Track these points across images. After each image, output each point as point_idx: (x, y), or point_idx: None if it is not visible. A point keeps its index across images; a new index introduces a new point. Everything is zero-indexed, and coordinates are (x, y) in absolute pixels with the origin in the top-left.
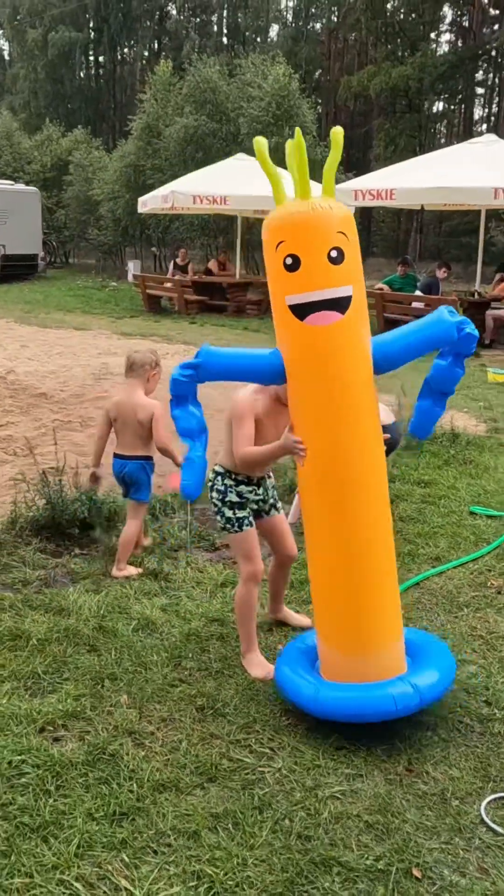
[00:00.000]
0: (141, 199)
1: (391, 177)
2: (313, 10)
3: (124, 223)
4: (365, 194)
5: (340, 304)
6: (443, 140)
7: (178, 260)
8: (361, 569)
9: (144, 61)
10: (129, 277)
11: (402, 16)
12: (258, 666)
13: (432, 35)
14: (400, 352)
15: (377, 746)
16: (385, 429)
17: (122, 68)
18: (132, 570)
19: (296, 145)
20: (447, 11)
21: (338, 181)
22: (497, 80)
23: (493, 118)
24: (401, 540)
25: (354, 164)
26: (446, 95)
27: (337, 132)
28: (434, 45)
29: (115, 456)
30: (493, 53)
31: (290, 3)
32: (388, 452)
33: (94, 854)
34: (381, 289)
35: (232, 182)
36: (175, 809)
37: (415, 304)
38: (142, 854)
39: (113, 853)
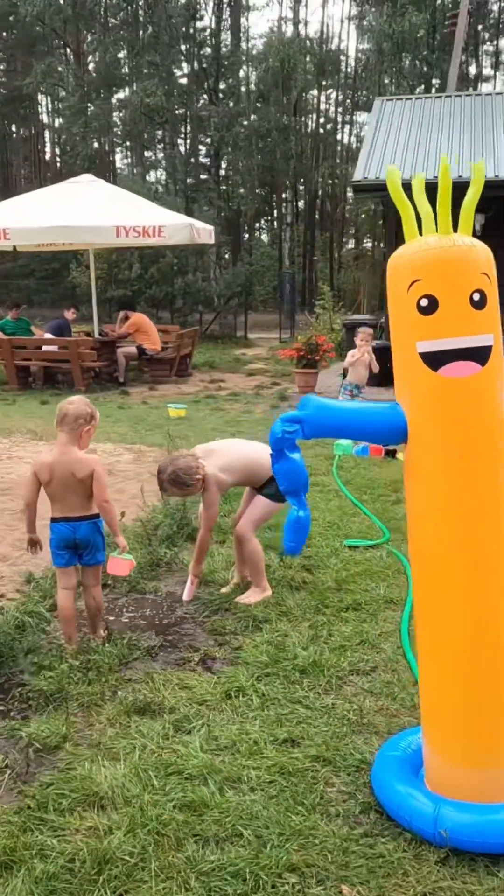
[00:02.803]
0: None
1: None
2: None
3: None
4: None
5: (481, 355)
6: None
7: None
8: (487, 664)
9: None
10: None
11: None
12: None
13: None
14: None
15: None
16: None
17: None
18: (102, 633)
19: (442, 173)
20: None
21: None
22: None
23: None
24: (344, 589)
25: None
26: None
27: (479, 166)
28: None
29: (60, 521)
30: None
31: None
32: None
33: None
34: None
35: None
36: None
37: (46, 348)
38: None
39: None
